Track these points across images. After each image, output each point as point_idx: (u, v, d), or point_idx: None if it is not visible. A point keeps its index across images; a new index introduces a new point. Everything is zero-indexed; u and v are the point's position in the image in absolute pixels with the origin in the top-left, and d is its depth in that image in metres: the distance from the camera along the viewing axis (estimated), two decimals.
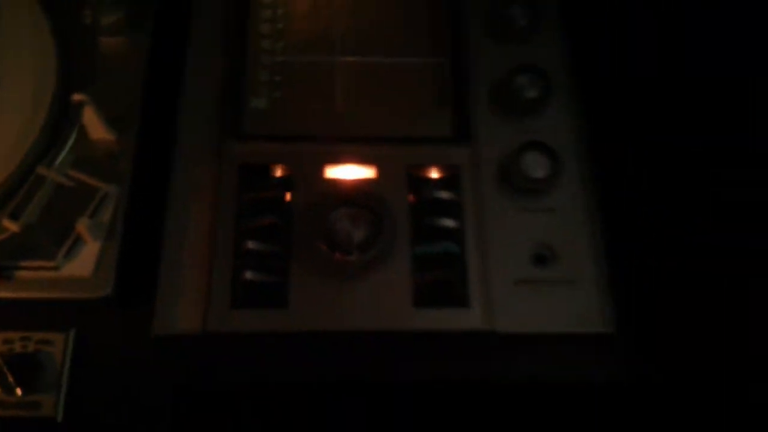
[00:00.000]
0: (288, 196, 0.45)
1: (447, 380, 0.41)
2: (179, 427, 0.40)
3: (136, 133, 0.46)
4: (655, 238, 0.44)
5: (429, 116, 0.48)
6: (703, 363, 0.40)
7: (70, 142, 0.43)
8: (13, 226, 0.40)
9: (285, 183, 0.46)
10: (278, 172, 0.46)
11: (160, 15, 0.50)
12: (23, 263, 0.42)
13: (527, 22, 0.50)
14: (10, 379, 0.40)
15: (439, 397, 0.40)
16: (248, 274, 0.42)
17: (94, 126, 0.43)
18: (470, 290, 0.42)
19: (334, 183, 0.45)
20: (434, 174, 0.46)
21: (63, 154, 0.43)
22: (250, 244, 0.43)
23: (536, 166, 0.45)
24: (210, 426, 0.40)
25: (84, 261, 0.42)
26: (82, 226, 0.41)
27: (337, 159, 0.46)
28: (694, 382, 0.40)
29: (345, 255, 0.42)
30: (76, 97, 0.43)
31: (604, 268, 0.43)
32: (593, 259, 0.43)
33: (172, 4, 0.50)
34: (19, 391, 0.40)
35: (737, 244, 0.43)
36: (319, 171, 0.46)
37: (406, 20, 0.52)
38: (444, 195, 0.45)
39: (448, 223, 0.44)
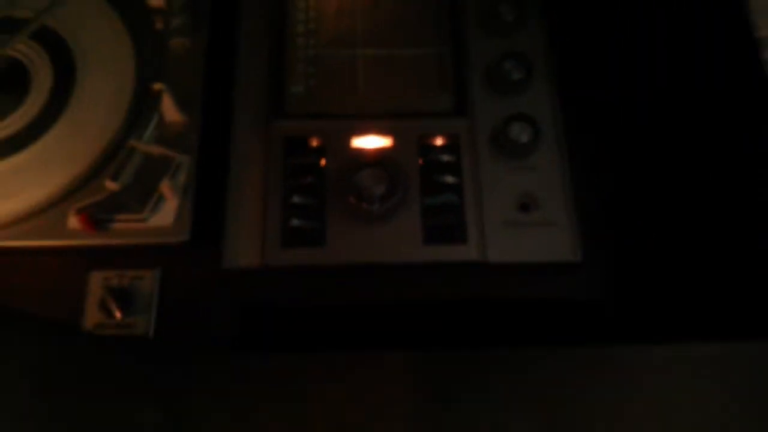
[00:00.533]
0: (323, 162, 0.52)
1: (449, 299, 0.49)
2: (243, 338, 0.48)
3: (201, 114, 0.54)
4: (611, 192, 0.52)
5: (434, 95, 0.55)
6: (649, 286, 0.49)
7: (152, 122, 0.52)
8: (113, 186, 0.49)
9: (320, 151, 0.52)
10: (314, 143, 0.53)
11: (215, 19, 0.57)
12: (119, 216, 0.50)
13: (514, 17, 0.56)
14: (112, 305, 0.48)
15: (443, 311, 0.48)
16: (294, 222, 0.50)
17: (170, 109, 0.52)
18: (468, 231, 0.50)
19: (359, 150, 0.52)
20: (439, 141, 0.53)
21: (148, 131, 0.51)
22: (295, 199, 0.50)
23: (520, 134, 0.52)
24: (266, 336, 0.50)
25: (166, 214, 0.50)
26: (164, 186, 0.50)
27: (360, 131, 0.53)
28: (643, 302, 0.49)
29: (369, 205, 0.49)
30: (156, 86, 0.52)
31: (573, 212, 0.50)
32: (565, 206, 0.50)
33: (225, 10, 0.57)
34: (118, 315, 0.48)
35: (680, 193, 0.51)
36: (347, 141, 0.52)
37: (413, 17, 0.58)
38: (447, 158, 0.52)
39: (450, 179, 0.51)
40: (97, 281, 0.50)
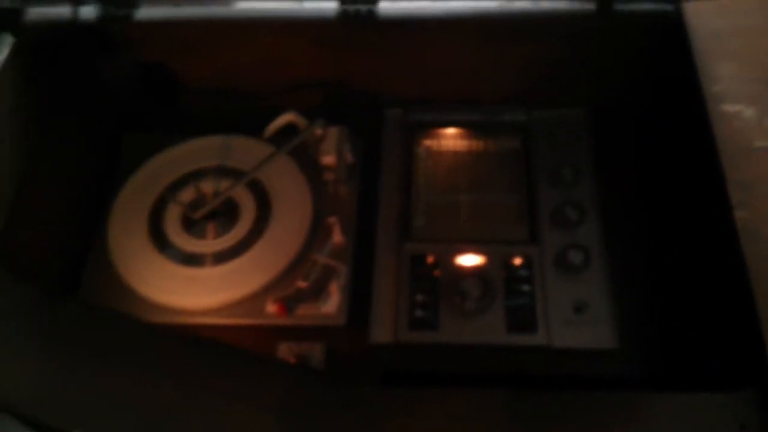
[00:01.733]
0: (437, 273, 0.72)
1: (525, 372, 0.69)
2: (384, 391, 0.70)
3: (356, 237, 0.78)
4: (642, 299, 0.73)
5: (514, 228, 0.76)
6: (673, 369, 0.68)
7: (327, 243, 0.79)
8: (303, 285, 0.73)
9: (435, 266, 0.72)
10: (431, 260, 0.73)
11: (365, 173, 0.82)
12: (301, 305, 0.75)
13: (572, 177, 0.78)
14: (293, 362, 0.73)
15: (520, 380, 0.68)
16: (417, 312, 0.71)
17: (337, 234, 0.78)
18: (538, 324, 0.69)
19: (462, 266, 0.73)
20: (517, 261, 0.72)
21: (326, 249, 0.78)
22: (418, 297, 0.72)
23: (575, 258, 0.72)
24: (403, 390, 0.71)
25: (332, 304, 0.73)
26: (331, 286, 0.75)
27: (463, 252, 0.73)
28: (661, 379, 0.68)
29: (469, 303, 0.69)
30: (330, 220, 0.79)
31: (613, 313, 0.70)
32: (606, 309, 0.70)
33: (371, 167, 0.82)
34: None
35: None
36: (454, 259, 0.73)
37: (498, 173, 0.79)
38: (523, 273, 0.71)
39: (525, 288, 0.71)
40: (284, 349, 0.74)
